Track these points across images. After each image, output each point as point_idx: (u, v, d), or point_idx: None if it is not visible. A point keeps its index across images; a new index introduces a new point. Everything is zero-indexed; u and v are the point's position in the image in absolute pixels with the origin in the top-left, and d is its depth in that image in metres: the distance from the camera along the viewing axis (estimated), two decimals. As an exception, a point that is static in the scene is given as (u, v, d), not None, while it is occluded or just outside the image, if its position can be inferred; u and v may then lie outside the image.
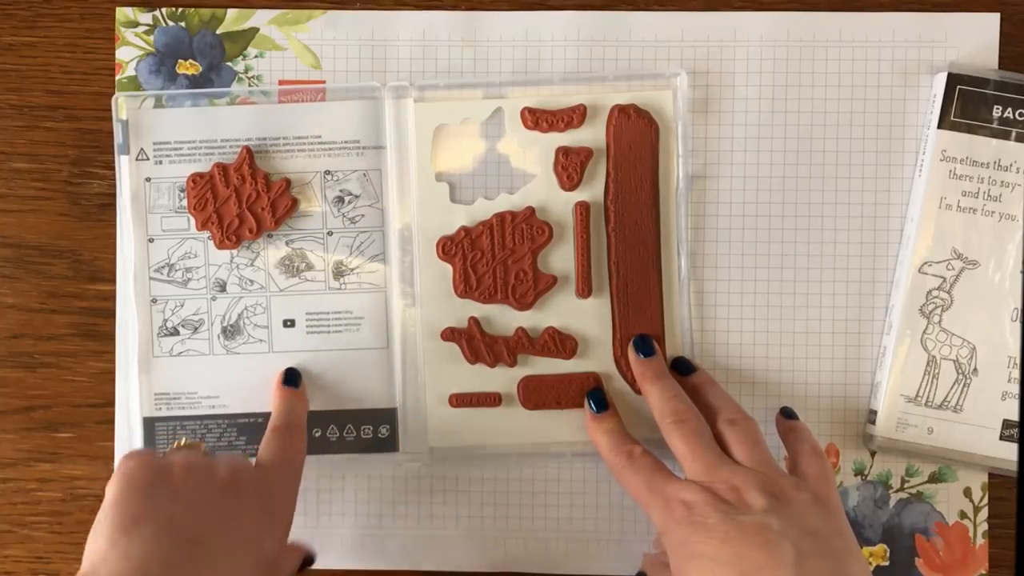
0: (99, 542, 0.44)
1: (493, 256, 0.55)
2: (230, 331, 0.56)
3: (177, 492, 0.46)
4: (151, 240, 0.56)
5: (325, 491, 0.57)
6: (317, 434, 0.56)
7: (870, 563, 0.56)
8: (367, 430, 0.56)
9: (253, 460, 0.51)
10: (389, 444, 0.56)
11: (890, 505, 0.57)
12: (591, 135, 0.55)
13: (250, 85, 0.57)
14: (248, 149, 0.55)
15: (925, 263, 0.55)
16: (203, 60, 0.57)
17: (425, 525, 0.57)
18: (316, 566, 0.57)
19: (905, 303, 0.55)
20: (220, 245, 0.55)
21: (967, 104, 0.54)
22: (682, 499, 0.46)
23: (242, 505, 0.47)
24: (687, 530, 0.45)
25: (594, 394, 0.55)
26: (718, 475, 0.47)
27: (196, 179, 0.55)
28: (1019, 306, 0.54)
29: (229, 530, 0.46)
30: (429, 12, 0.57)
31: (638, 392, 0.54)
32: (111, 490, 0.46)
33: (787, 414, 0.54)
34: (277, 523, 0.49)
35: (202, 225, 0.55)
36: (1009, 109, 0.54)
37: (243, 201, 0.55)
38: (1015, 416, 0.54)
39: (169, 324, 0.56)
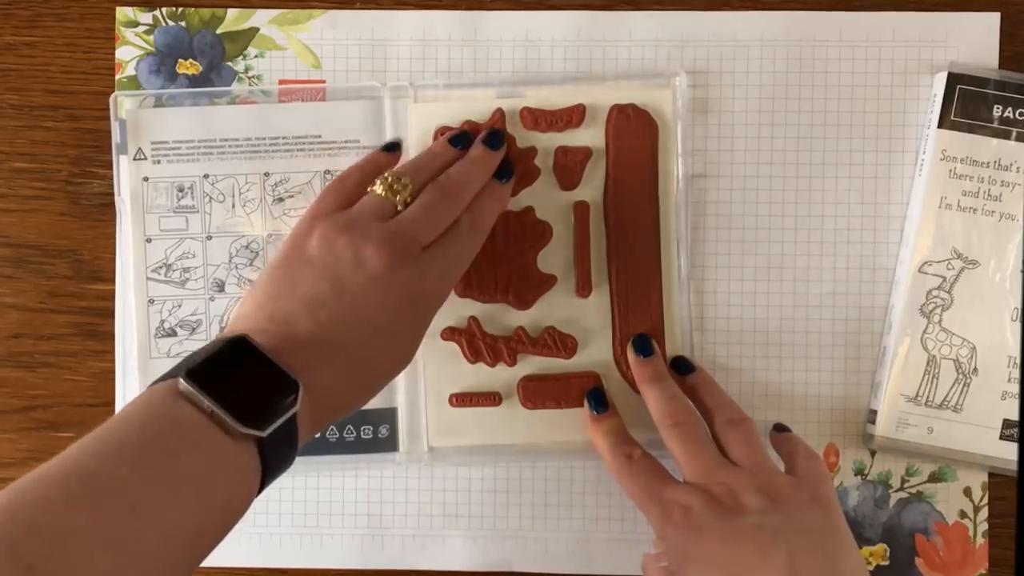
0: (249, 302, 0.46)
1: (493, 256, 0.55)
2: (230, 331, 0.56)
3: (331, 266, 0.45)
4: (148, 240, 0.56)
5: (325, 491, 0.57)
6: (316, 435, 0.56)
7: (870, 563, 0.56)
8: (367, 430, 0.56)
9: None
10: (389, 444, 0.56)
11: (890, 505, 0.57)
12: (590, 135, 0.55)
13: (250, 85, 0.57)
14: (501, 111, 0.55)
15: (925, 263, 0.54)
16: (203, 60, 0.57)
17: (425, 525, 0.57)
18: (316, 566, 0.57)
19: (905, 303, 0.55)
20: None
21: (967, 104, 0.54)
22: (680, 503, 0.46)
23: (393, 294, 0.45)
24: (684, 534, 0.45)
25: (594, 394, 0.55)
26: (715, 477, 0.47)
27: (444, 131, 0.54)
28: (1019, 306, 0.54)
29: (370, 317, 0.45)
30: (429, 12, 0.57)
31: (638, 391, 0.54)
32: (280, 250, 0.47)
33: (779, 428, 0.54)
34: (417, 316, 0.47)
35: None
36: (1009, 109, 0.54)
37: None
38: (1015, 416, 0.54)
39: (166, 325, 0.56)
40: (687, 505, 0.46)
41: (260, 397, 0.41)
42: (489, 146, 0.52)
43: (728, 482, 0.46)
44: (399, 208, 0.48)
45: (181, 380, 0.40)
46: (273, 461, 0.42)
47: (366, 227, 0.46)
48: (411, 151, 0.55)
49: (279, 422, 0.41)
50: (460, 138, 0.52)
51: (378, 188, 0.48)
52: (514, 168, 0.53)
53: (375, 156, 0.52)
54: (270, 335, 0.43)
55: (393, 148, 0.53)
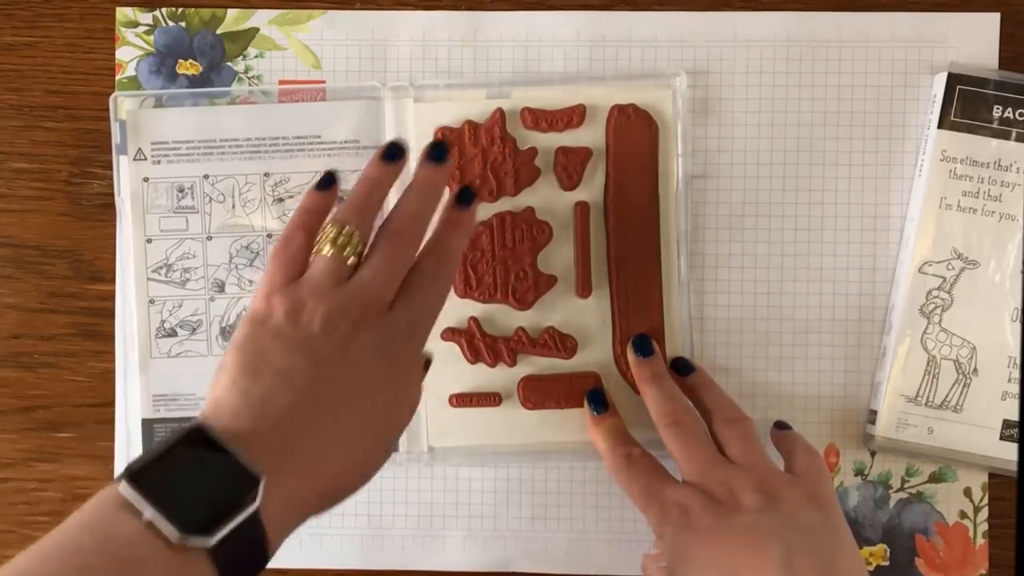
0: (222, 380, 0.42)
1: (493, 256, 0.55)
2: (229, 332, 0.56)
3: (303, 339, 0.43)
4: (149, 240, 0.56)
5: (325, 491, 0.57)
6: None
7: (870, 563, 0.56)
8: (367, 430, 0.56)
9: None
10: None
11: (890, 505, 0.57)
12: (591, 135, 0.55)
13: (250, 85, 0.57)
14: (501, 111, 0.55)
15: (925, 263, 0.54)
16: (203, 60, 0.57)
17: (425, 525, 0.57)
18: (316, 566, 0.57)
19: (905, 303, 0.55)
20: None
21: (967, 104, 0.54)
22: (678, 502, 0.46)
23: (367, 356, 0.44)
24: (682, 533, 0.46)
25: (594, 394, 0.55)
26: (713, 475, 0.47)
27: (446, 132, 0.55)
28: (1019, 306, 0.54)
29: (348, 384, 0.43)
30: (429, 12, 0.57)
31: (638, 392, 0.54)
32: (242, 329, 0.44)
33: (780, 426, 0.54)
34: (400, 371, 0.45)
35: None
36: (1009, 109, 0.54)
37: (488, 163, 0.55)
38: (1015, 416, 0.54)
39: (167, 325, 0.56)
40: (685, 505, 0.46)
41: (210, 497, 0.37)
42: (434, 159, 0.48)
43: (726, 480, 0.47)
44: (351, 261, 0.45)
45: (122, 484, 0.36)
46: (232, 572, 0.37)
47: (327, 294, 0.44)
48: (412, 151, 0.55)
49: (232, 525, 0.36)
50: (392, 150, 0.48)
51: (326, 249, 0.45)
52: (475, 192, 0.50)
53: (312, 201, 0.47)
54: (245, 416, 0.41)
55: (328, 184, 0.48)
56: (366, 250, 0.46)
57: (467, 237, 0.50)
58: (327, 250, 0.45)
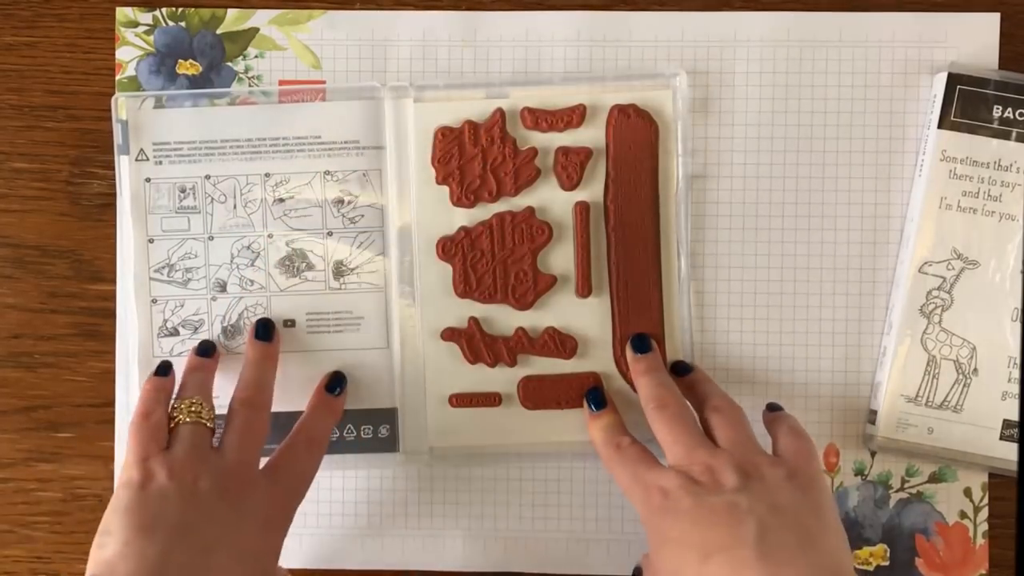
0: (111, 543, 0.44)
1: (493, 256, 0.55)
2: (230, 331, 0.56)
3: (191, 498, 0.46)
4: (151, 240, 0.56)
5: (325, 491, 0.57)
6: None
7: (869, 563, 0.56)
8: (367, 430, 0.56)
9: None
10: (389, 444, 0.56)
11: (890, 505, 0.57)
12: (591, 135, 0.55)
13: (250, 85, 0.57)
14: (501, 111, 0.55)
15: (925, 263, 0.55)
16: (203, 60, 0.57)
17: (425, 525, 0.57)
18: (318, 566, 0.57)
19: (905, 303, 0.55)
20: (456, 202, 0.55)
21: (967, 104, 0.54)
22: (660, 486, 0.47)
23: (250, 519, 0.47)
24: (662, 516, 0.46)
25: (593, 393, 0.55)
26: (696, 458, 0.47)
27: (445, 132, 0.55)
28: (1019, 306, 0.54)
29: (236, 542, 0.46)
30: (429, 12, 0.57)
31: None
32: (122, 494, 0.46)
33: (771, 408, 0.53)
34: (277, 537, 0.49)
35: (442, 179, 0.55)
36: (1009, 109, 0.54)
37: (488, 163, 0.55)
38: (1015, 416, 0.54)
39: (169, 324, 0.56)
40: (666, 488, 0.46)
41: None
42: (261, 339, 0.54)
43: (707, 461, 0.47)
44: (210, 425, 0.50)
45: None
46: None
47: (206, 458, 0.48)
48: (411, 152, 0.55)
49: None
50: (203, 347, 0.54)
51: (186, 418, 0.49)
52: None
53: (155, 383, 0.51)
54: None
55: (166, 370, 0.52)
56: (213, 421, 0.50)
57: (336, 419, 0.55)
58: (186, 419, 0.49)
